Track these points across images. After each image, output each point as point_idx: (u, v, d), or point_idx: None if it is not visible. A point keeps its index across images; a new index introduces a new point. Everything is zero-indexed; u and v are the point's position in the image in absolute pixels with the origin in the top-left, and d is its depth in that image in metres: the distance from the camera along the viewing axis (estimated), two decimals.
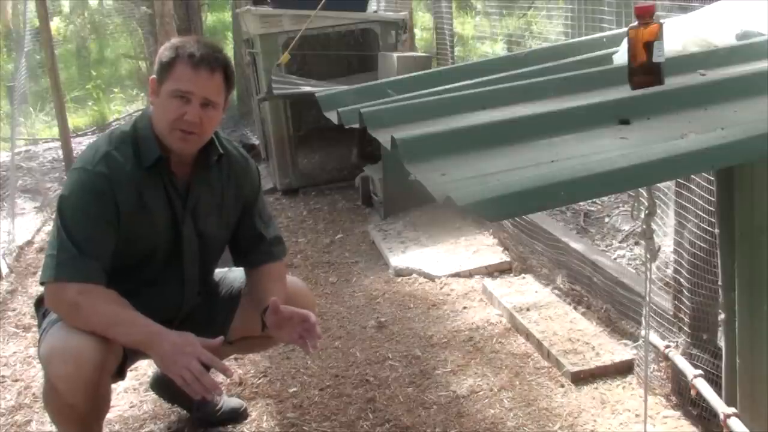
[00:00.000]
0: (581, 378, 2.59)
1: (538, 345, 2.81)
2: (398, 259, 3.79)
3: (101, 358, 1.93)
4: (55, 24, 10.46)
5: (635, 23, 1.67)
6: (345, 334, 3.12)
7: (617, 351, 2.68)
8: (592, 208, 3.83)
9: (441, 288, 3.46)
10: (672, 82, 1.69)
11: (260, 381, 2.77)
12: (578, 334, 2.82)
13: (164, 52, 2.03)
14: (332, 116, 1.89)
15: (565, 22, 4.07)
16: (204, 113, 2.00)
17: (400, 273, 3.67)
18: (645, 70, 1.67)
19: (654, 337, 2.36)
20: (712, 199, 2.03)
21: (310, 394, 2.68)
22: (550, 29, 4.42)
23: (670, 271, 2.38)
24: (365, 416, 2.52)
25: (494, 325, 3.06)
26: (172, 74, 1.99)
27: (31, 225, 4.92)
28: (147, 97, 5.61)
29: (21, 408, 2.69)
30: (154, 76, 2.05)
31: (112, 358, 1.99)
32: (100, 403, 1.99)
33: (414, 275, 3.63)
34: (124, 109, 8.81)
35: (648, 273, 1.98)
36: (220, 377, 2.73)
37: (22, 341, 3.24)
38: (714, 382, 2.10)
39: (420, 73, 2.37)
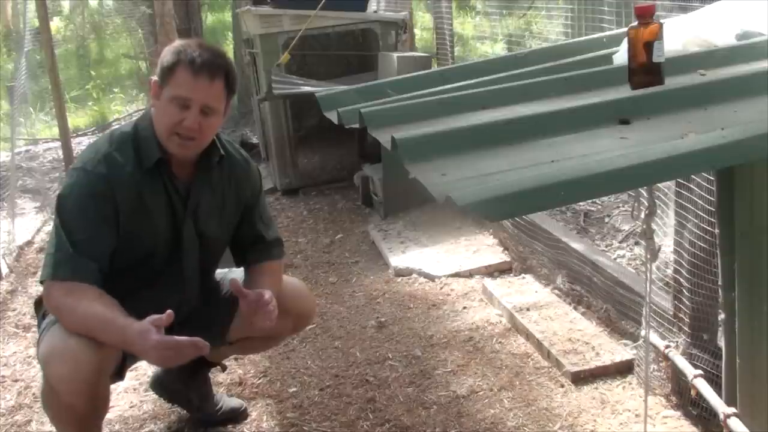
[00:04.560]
0: (581, 378, 2.59)
1: (538, 345, 2.81)
2: (398, 259, 3.79)
3: (100, 359, 1.93)
4: (55, 24, 10.46)
5: (635, 23, 1.67)
6: (345, 334, 3.12)
7: (617, 351, 2.68)
8: (592, 208, 3.83)
9: (441, 288, 3.46)
10: (672, 82, 1.68)
11: (260, 381, 2.77)
12: (578, 334, 2.82)
13: (166, 55, 2.02)
14: (332, 116, 1.89)
15: (565, 22, 4.07)
16: (203, 120, 2.00)
17: (400, 273, 3.67)
18: (645, 70, 1.67)
19: (654, 337, 2.36)
20: (712, 199, 2.03)
21: (310, 394, 2.68)
22: (550, 29, 4.41)
23: (670, 271, 2.38)
24: (365, 416, 2.51)
25: (494, 325, 3.06)
26: (173, 79, 1.99)
27: (31, 225, 4.92)
28: (147, 97, 5.61)
29: (21, 408, 2.69)
30: (155, 77, 2.05)
31: (111, 359, 1.99)
32: (100, 403, 1.99)
33: (414, 275, 3.63)
34: (124, 109, 8.81)
35: (648, 273, 1.98)
36: (220, 377, 2.74)
37: (22, 341, 3.24)
38: (714, 382, 2.10)
39: (420, 73, 2.37)
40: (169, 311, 1.87)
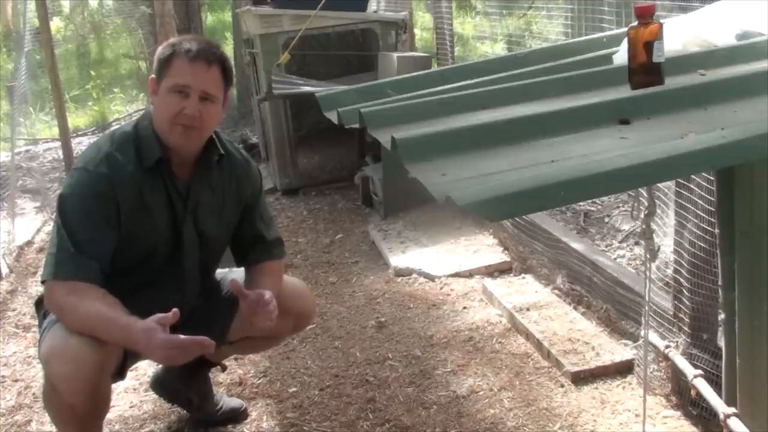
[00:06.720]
0: (581, 378, 2.59)
1: (538, 345, 2.81)
2: (398, 259, 3.79)
3: (101, 358, 1.93)
4: (55, 24, 10.47)
5: (635, 23, 1.67)
6: (345, 334, 3.12)
7: (617, 351, 2.68)
8: (592, 208, 3.83)
9: (441, 288, 3.46)
10: (672, 82, 1.69)
11: (260, 381, 2.77)
12: (578, 334, 2.82)
13: (162, 50, 2.06)
14: (332, 116, 1.89)
15: (565, 22, 4.07)
16: (203, 107, 2.01)
17: (400, 273, 3.67)
18: (645, 70, 1.67)
19: (654, 337, 2.36)
20: (712, 199, 2.03)
21: (310, 394, 2.68)
22: (550, 29, 4.42)
23: (670, 271, 2.38)
24: (365, 416, 2.52)
25: (494, 325, 3.06)
26: (170, 70, 2.01)
27: (31, 225, 4.92)
28: (147, 97, 5.62)
29: (21, 408, 2.69)
30: (153, 75, 2.06)
31: (112, 358, 1.99)
32: (100, 403, 1.99)
33: (414, 275, 3.63)
34: (124, 109, 8.80)
35: (648, 273, 1.98)
36: (220, 377, 2.74)
37: (22, 341, 3.24)
38: (714, 382, 2.10)
39: (420, 73, 2.37)
40: (174, 310, 1.87)
